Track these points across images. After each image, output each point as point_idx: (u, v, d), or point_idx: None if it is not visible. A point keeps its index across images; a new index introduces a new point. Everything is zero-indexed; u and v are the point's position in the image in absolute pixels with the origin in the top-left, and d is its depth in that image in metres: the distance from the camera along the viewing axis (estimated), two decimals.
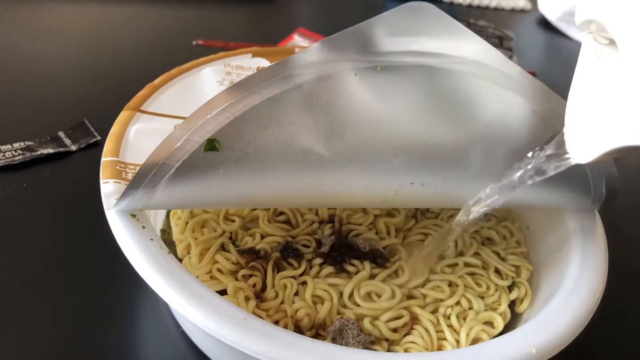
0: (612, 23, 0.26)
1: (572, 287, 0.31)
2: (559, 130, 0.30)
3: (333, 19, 0.83)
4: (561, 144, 0.29)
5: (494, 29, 0.83)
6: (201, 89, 0.40)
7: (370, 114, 0.29)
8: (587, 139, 0.27)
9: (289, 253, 0.35)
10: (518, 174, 0.30)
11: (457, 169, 0.31)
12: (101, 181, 0.31)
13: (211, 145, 0.27)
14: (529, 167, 0.30)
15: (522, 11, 0.99)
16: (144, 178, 0.27)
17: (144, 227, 0.29)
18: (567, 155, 0.28)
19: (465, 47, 0.30)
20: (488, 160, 0.32)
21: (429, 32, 0.30)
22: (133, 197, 0.28)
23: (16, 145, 0.46)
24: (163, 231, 0.39)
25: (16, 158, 0.45)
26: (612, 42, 0.27)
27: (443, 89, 0.30)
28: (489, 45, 0.31)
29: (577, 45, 0.94)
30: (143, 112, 0.36)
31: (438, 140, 0.30)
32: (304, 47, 0.48)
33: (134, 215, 0.29)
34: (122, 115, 0.36)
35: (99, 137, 0.49)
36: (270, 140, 0.28)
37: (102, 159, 0.32)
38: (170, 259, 0.28)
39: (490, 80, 0.31)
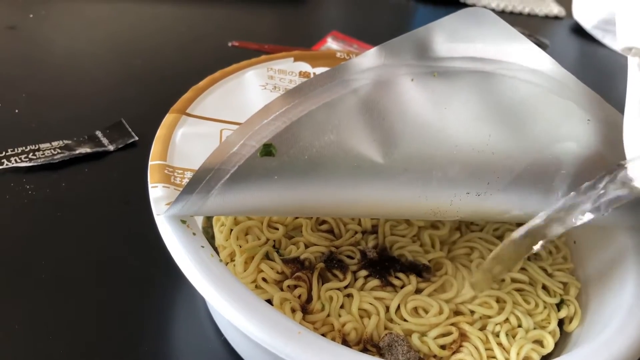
0: None
1: (631, 307, 0.31)
2: (613, 140, 0.29)
3: (365, 22, 0.82)
4: (627, 178, 0.28)
5: (529, 35, 0.82)
6: (245, 93, 0.40)
7: (427, 121, 0.28)
8: None
9: (333, 264, 0.34)
10: (584, 205, 0.29)
11: (513, 179, 0.30)
12: (149, 185, 0.30)
13: (267, 150, 0.26)
14: (596, 201, 0.28)
15: (556, 18, 0.97)
16: (198, 183, 0.26)
17: (194, 234, 0.28)
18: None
19: (521, 54, 0.29)
20: (544, 170, 0.31)
21: (485, 38, 0.29)
22: (186, 202, 0.27)
23: (55, 144, 0.46)
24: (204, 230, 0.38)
25: (55, 157, 0.45)
26: None
27: (500, 95, 0.30)
28: (545, 53, 0.30)
29: (612, 53, 0.92)
30: (189, 115, 0.36)
31: (495, 147, 0.29)
32: (342, 52, 0.47)
33: (184, 222, 0.29)
34: (168, 117, 0.35)
35: (137, 138, 0.49)
36: (325, 146, 0.27)
37: (150, 162, 0.32)
38: (222, 267, 0.27)
39: (546, 88, 0.30)
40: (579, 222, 0.28)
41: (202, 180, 0.26)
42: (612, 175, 0.28)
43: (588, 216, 0.27)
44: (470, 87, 0.29)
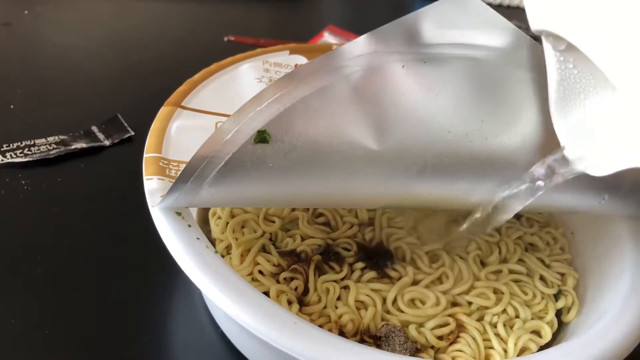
0: (572, 35, 0.26)
1: (627, 297, 0.30)
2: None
3: (362, 17, 0.82)
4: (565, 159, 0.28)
5: (526, 29, 0.82)
6: (240, 86, 0.40)
7: (419, 107, 0.28)
8: (598, 153, 0.27)
9: (330, 256, 0.34)
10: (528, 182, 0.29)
11: (508, 166, 0.30)
12: (144, 177, 0.30)
13: (261, 137, 0.26)
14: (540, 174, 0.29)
15: None
16: (192, 172, 0.26)
17: (189, 226, 0.28)
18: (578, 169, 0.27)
19: (509, 40, 0.29)
20: (535, 155, 0.31)
21: (474, 25, 0.29)
22: (180, 192, 0.27)
23: (50, 139, 0.46)
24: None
25: (51, 152, 0.44)
26: (570, 46, 0.27)
27: (489, 82, 0.30)
28: (532, 39, 0.30)
29: None
30: (184, 108, 0.36)
31: (488, 134, 0.29)
32: (339, 45, 0.47)
33: (179, 213, 0.29)
34: (163, 110, 0.35)
35: (133, 133, 0.49)
36: (319, 132, 0.27)
37: (145, 155, 0.32)
38: (217, 259, 0.27)
39: (535, 74, 0.30)
40: (523, 204, 0.29)
41: (196, 169, 0.26)
42: (554, 157, 0.28)
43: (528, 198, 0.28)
44: (460, 74, 0.29)
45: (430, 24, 0.28)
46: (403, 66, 0.28)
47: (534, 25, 0.27)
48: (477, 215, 0.30)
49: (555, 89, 0.28)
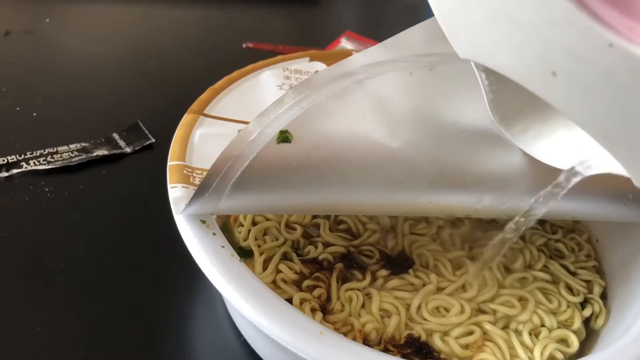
0: (495, 64, 0.25)
1: None
2: None
3: (378, 22, 0.82)
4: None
5: None
6: (261, 93, 0.40)
7: (430, 111, 0.29)
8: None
9: (352, 264, 0.34)
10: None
11: (525, 168, 0.30)
12: (169, 185, 0.30)
13: (284, 136, 0.27)
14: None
15: None
16: (217, 173, 0.26)
17: (214, 234, 0.28)
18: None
19: None
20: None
21: None
22: (205, 196, 0.27)
23: (72, 146, 0.46)
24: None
25: (73, 159, 0.45)
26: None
27: None
28: None
29: None
30: (206, 115, 0.36)
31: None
32: (358, 52, 0.47)
33: (204, 222, 0.29)
34: (186, 118, 0.35)
35: (153, 140, 0.49)
36: (338, 132, 0.28)
37: (169, 163, 0.32)
38: (242, 267, 0.27)
39: None
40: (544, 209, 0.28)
41: (221, 170, 0.26)
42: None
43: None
44: (464, 80, 0.29)
45: (434, 34, 0.29)
46: (411, 73, 0.29)
47: (460, 54, 0.27)
48: (512, 225, 0.30)
49: (492, 99, 0.27)
